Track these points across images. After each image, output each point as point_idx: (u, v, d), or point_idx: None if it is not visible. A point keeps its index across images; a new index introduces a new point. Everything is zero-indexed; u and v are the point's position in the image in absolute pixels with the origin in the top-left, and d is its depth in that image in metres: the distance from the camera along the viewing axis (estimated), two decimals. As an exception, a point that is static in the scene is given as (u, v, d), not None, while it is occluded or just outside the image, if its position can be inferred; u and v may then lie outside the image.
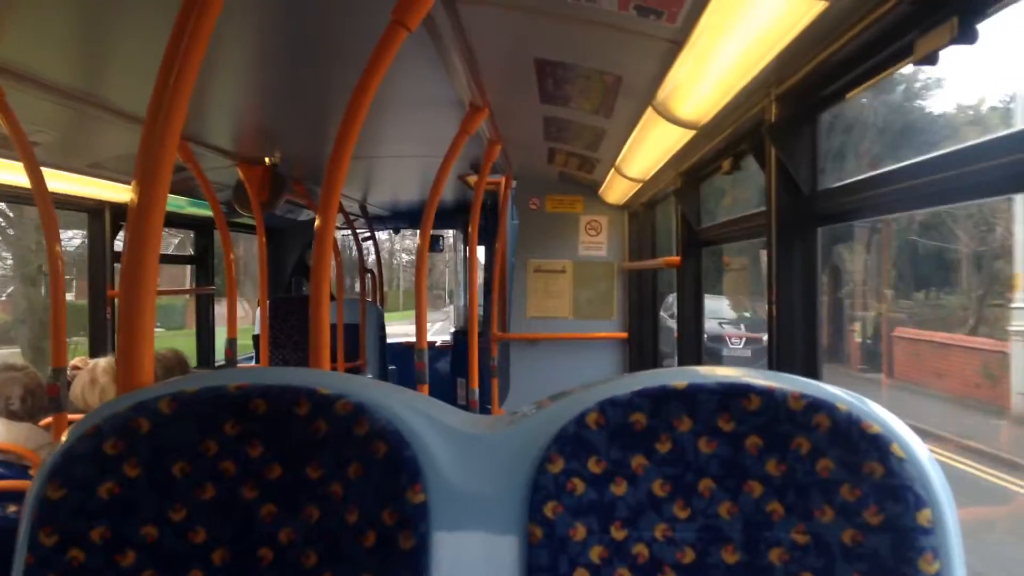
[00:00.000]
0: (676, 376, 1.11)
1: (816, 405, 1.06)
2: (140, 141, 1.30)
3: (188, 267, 6.53)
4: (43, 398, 2.96)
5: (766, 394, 1.07)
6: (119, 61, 2.49)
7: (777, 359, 2.11)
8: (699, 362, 3.63)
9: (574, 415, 1.09)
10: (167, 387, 1.11)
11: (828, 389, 1.09)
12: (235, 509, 1.08)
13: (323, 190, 1.91)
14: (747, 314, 14.07)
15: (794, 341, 2.07)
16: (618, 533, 1.07)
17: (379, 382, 1.21)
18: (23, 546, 1.06)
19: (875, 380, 11.44)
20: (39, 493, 1.07)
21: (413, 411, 1.12)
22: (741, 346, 13.62)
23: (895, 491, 1.04)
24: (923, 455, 1.05)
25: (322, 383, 1.11)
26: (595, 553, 1.07)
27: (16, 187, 3.37)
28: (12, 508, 2.41)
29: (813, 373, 2.05)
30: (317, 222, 1.92)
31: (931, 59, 1.39)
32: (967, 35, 1.28)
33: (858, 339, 12.45)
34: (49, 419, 3.03)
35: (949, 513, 1.04)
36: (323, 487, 1.09)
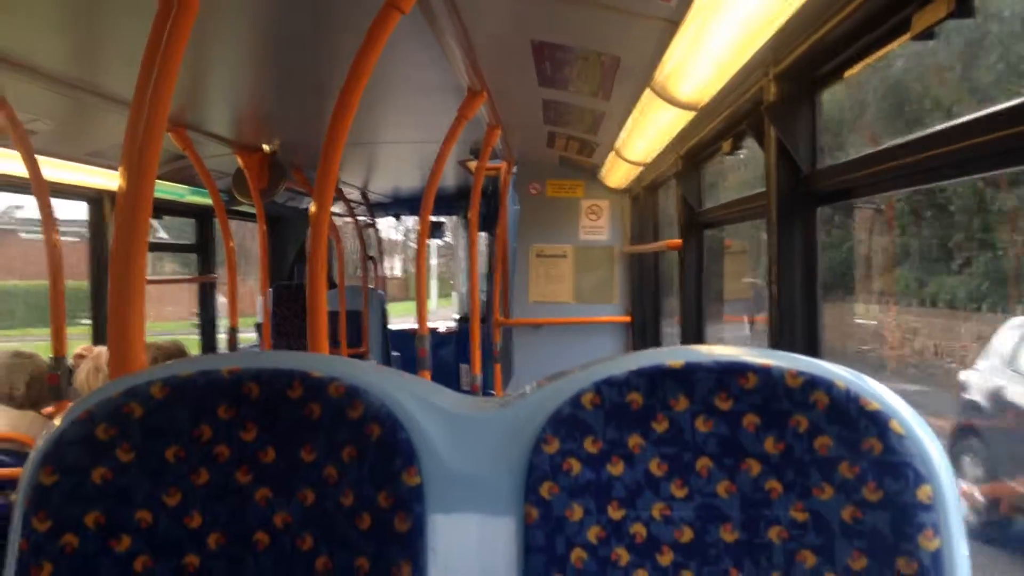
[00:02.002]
0: (673, 355, 1.10)
1: (814, 382, 1.06)
2: (127, 127, 1.29)
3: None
4: (47, 386, 2.98)
5: (763, 372, 1.07)
6: (115, 48, 2.47)
7: (778, 339, 2.10)
8: (701, 342, 3.63)
9: (570, 395, 1.09)
10: (159, 372, 1.10)
11: (826, 366, 1.08)
12: (230, 493, 1.08)
13: (319, 175, 1.90)
14: None
15: (795, 321, 2.07)
16: (615, 513, 1.07)
17: (372, 364, 1.21)
18: (16, 532, 1.05)
19: None
20: (32, 479, 1.06)
21: (407, 393, 1.12)
22: None
23: (894, 468, 1.03)
24: (922, 431, 1.05)
25: (314, 366, 1.11)
26: (592, 533, 1.06)
27: (13, 177, 3.37)
28: (14, 496, 2.43)
29: (814, 351, 2.04)
30: (313, 207, 1.91)
31: (929, 34, 1.38)
32: (964, 8, 1.27)
33: None
34: (52, 408, 3.04)
35: (949, 489, 1.03)
36: (317, 470, 1.08)
